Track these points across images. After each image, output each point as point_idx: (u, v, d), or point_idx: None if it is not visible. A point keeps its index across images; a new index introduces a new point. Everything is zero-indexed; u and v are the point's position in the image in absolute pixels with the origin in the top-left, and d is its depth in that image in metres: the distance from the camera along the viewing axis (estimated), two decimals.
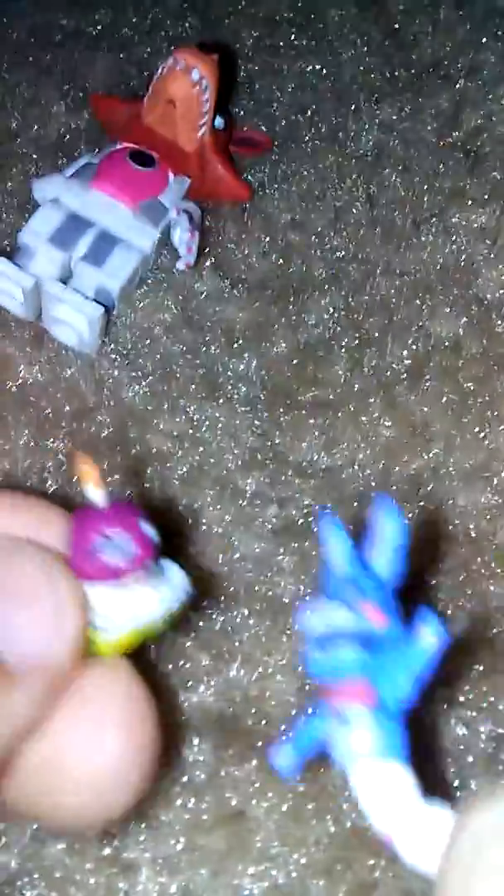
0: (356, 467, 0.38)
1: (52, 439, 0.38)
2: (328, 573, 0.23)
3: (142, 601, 0.23)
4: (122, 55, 0.53)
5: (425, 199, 0.46)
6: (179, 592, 0.24)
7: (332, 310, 0.43)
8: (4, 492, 0.26)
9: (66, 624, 0.22)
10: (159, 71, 0.43)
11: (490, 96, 0.51)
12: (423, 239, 0.45)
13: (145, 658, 0.24)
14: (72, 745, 0.23)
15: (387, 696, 0.20)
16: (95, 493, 0.23)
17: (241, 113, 0.50)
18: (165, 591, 0.24)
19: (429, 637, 0.20)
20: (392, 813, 0.20)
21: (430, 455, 0.38)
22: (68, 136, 0.49)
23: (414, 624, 0.21)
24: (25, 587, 0.22)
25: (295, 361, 0.41)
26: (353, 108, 0.51)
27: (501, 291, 0.43)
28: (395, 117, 0.50)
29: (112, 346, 0.41)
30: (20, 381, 0.40)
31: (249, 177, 0.47)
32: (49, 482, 0.37)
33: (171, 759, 0.30)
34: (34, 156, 0.48)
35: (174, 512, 0.37)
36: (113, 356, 0.40)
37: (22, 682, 0.22)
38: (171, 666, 0.33)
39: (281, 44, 0.54)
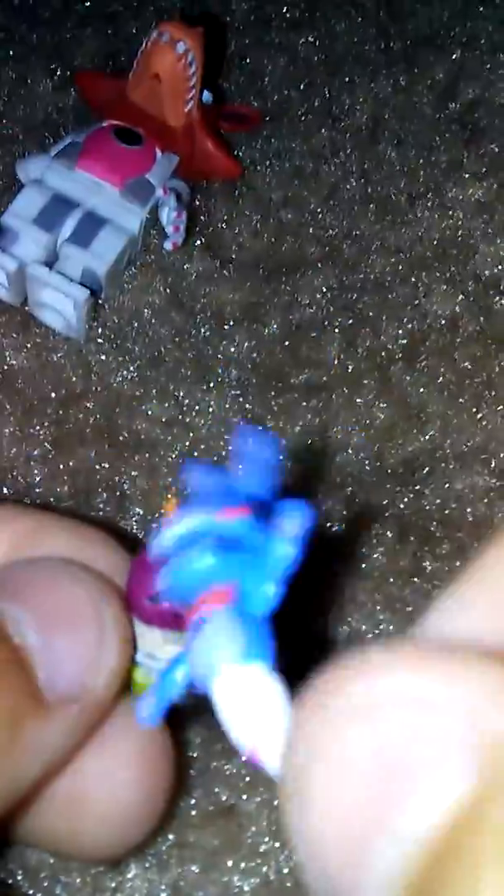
0: (350, 451, 0.37)
1: (38, 426, 0.37)
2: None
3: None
4: (110, 31, 0.52)
5: (421, 173, 0.45)
6: None
7: (325, 289, 0.41)
8: (44, 513, 0.25)
9: (108, 657, 0.21)
10: (143, 45, 0.42)
11: (488, 67, 0.49)
12: (418, 215, 0.43)
13: None
14: (94, 780, 0.22)
15: (249, 598, 0.18)
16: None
17: (231, 88, 0.49)
18: None
19: (292, 526, 0.18)
20: (255, 722, 0.17)
21: (427, 437, 0.37)
22: (56, 116, 0.48)
23: (277, 521, 0.18)
24: (70, 613, 0.21)
25: (287, 343, 0.40)
26: (346, 81, 0.49)
27: (499, 268, 0.42)
28: (390, 90, 0.49)
29: (99, 330, 0.40)
30: (6, 367, 0.39)
31: (240, 153, 0.46)
32: (35, 471, 0.36)
33: None
34: (20, 136, 0.47)
35: (163, 500, 0.36)
36: (100, 341, 0.39)
37: (56, 714, 0.20)
38: None
39: (272, 16, 0.52)
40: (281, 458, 0.21)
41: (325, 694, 0.13)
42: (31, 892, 0.27)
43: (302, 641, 0.22)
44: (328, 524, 0.35)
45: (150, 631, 0.22)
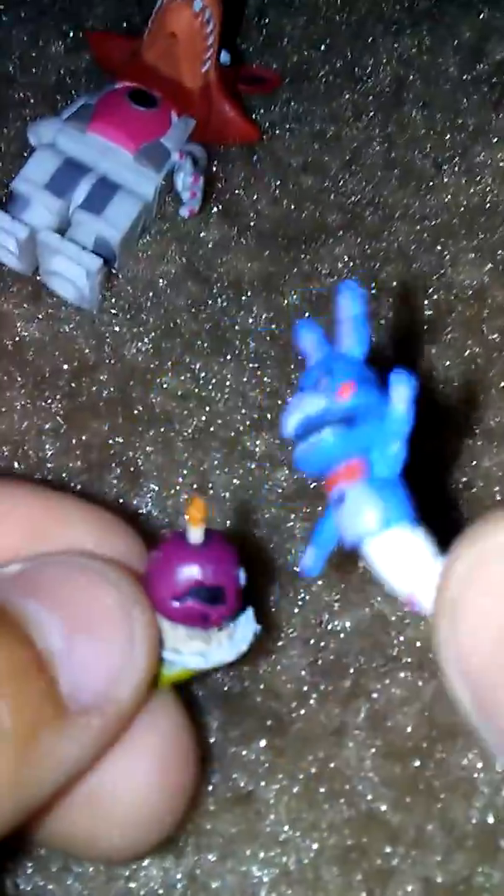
0: None
1: (50, 399, 0.36)
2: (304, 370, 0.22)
3: (215, 645, 0.22)
4: None
5: (447, 137, 0.43)
6: (249, 635, 0.22)
7: (346, 258, 0.40)
8: (61, 496, 0.24)
9: (136, 666, 0.20)
10: (159, 3, 0.40)
11: None
12: (444, 180, 0.42)
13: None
14: (114, 781, 0.21)
15: (378, 465, 0.19)
16: (198, 536, 0.21)
17: (250, 48, 0.47)
18: (236, 633, 0.22)
19: (401, 392, 0.20)
20: (410, 573, 0.19)
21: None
22: (68, 79, 0.46)
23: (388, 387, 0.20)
24: (98, 617, 0.20)
25: (308, 314, 0.38)
26: (369, 41, 0.47)
27: None
28: (414, 50, 0.47)
29: (113, 300, 0.38)
30: (17, 338, 0.37)
31: (258, 117, 0.44)
32: (47, 445, 0.35)
33: None
34: (32, 100, 0.45)
35: (178, 476, 0.34)
36: (114, 311, 0.38)
37: (77, 723, 0.19)
38: None
39: None
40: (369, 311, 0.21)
41: (475, 538, 0.16)
42: (42, 882, 0.26)
43: (433, 500, 0.23)
44: None
45: (175, 628, 0.21)
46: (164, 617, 0.21)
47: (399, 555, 0.19)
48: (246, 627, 0.22)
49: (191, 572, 0.20)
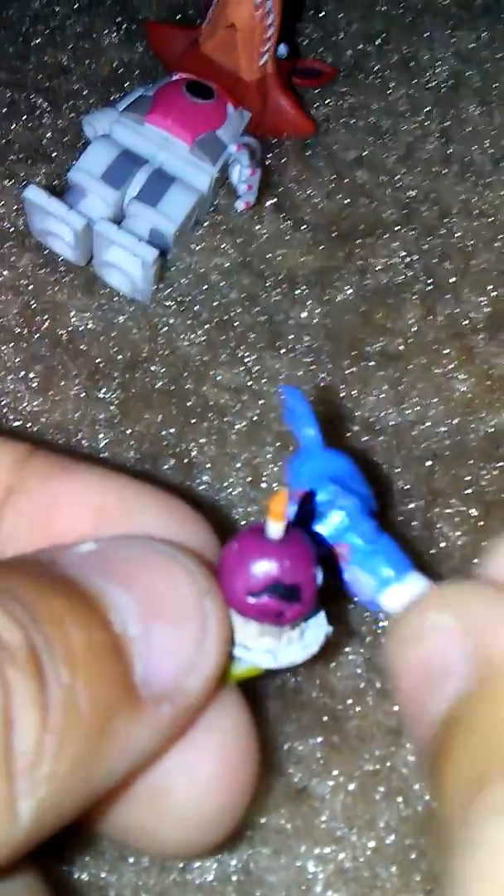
0: (428, 424, 0.35)
1: (104, 390, 0.36)
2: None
3: (285, 644, 0.21)
4: None
5: None
6: (321, 635, 0.22)
7: (402, 254, 0.39)
8: (131, 481, 0.23)
9: (208, 658, 0.20)
10: None
11: None
12: (502, 176, 0.41)
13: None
14: (176, 779, 0.21)
15: (357, 543, 0.22)
16: (277, 531, 0.20)
17: (306, 42, 0.47)
18: (309, 635, 0.22)
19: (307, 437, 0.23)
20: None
21: None
22: (122, 70, 0.46)
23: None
24: (174, 604, 0.20)
25: (362, 309, 0.38)
26: (426, 35, 0.47)
27: None
28: (472, 45, 0.46)
29: (167, 292, 0.38)
30: (71, 328, 0.37)
31: (314, 110, 0.44)
32: (101, 435, 0.35)
33: None
34: (85, 92, 0.45)
35: (232, 469, 0.34)
36: (168, 303, 0.38)
37: (149, 711, 0.19)
38: None
39: None
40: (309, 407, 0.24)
41: (402, 620, 0.20)
42: (97, 872, 0.26)
43: None
44: (406, 500, 0.33)
45: (247, 623, 0.21)
46: (238, 612, 0.20)
47: (405, 601, 0.21)
48: (317, 628, 0.22)
49: (269, 568, 0.20)
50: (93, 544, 0.20)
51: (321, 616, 0.22)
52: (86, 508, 0.22)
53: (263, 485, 0.34)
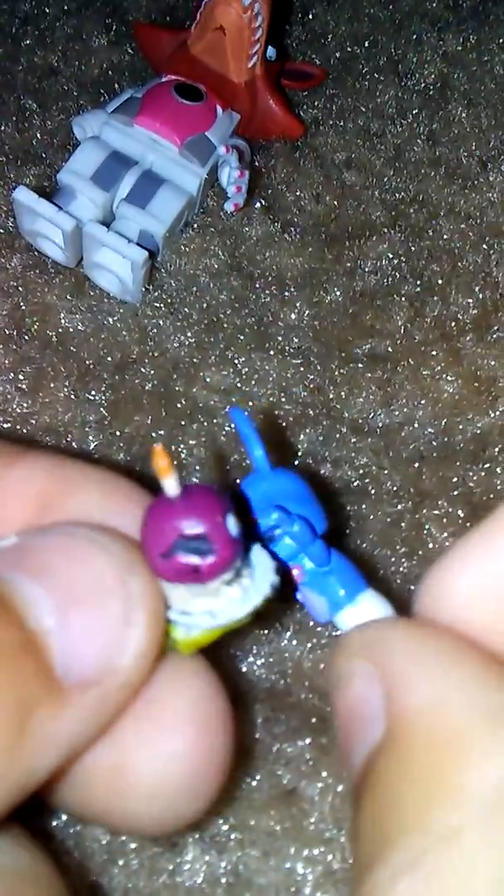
0: (416, 425, 0.36)
1: (93, 391, 0.36)
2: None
3: (223, 599, 0.21)
4: None
5: (492, 135, 0.43)
6: (264, 587, 0.21)
7: (390, 255, 0.40)
8: (76, 463, 0.23)
9: (135, 633, 0.19)
10: None
11: None
12: (490, 178, 0.41)
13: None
14: (142, 751, 0.21)
15: (309, 565, 0.23)
16: (173, 486, 0.20)
17: (294, 44, 0.47)
18: (249, 585, 0.21)
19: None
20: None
21: (498, 413, 0.35)
22: (111, 72, 0.46)
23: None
24: (92, 587, 0.19)
25: (350, 311, 0.38)
26: (413, 38, 0.47)
27: None
28: (459, 48, 0.47)
29: (156, 293, 0.38)
30: (60, 330, 0.37)
31: (302, 112, 0.44)
32: (90, 437, 0.35)
33: None
34: (75, 93, 0.45)
35: (221, 470, 0.34)
36: (157, 304, 0.38)
37: (74, 701, 0.19)
38: None
39: None
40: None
41: (336, 658, 0.20)
42: (86, 874, 0.26)
43: None
44: (394, 501, 0.33)
45: (174, 587, 0.20)
46: (158, 577, 0.20)
47: (358, 621, 0.22)
48: (262, 582, 0.21)
49: (171, 525, 0.19)
50: (14, 538, 0.20)
51: (267, 568, 0.21)
52: (29, 493, 0.22)
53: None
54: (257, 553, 0.22)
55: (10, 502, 0.22)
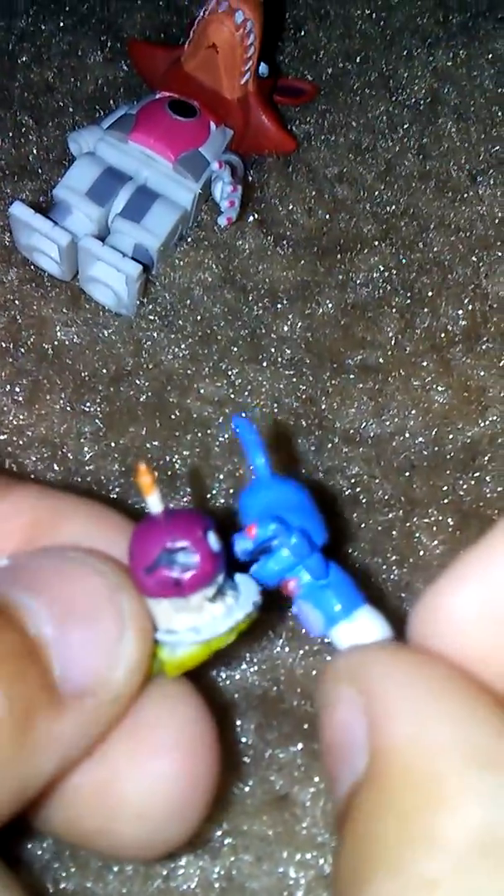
0: (407, 435, 0.36)
1: (89, 403, 0.36)
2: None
3: (206, 615, 0.21)
4: (160, 2, 0.51)
5: (482, 149, 0.44)
6: (247, 605, 0.22)
7: (381, 268, 0.40)
8: (64, 495, 0.24)
9: (127, 649, 0.20)
10: (201, 14, 0.40)
11: None
12: (479, 192, 0.42)
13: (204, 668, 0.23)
14: (128, 773, 0.21)
15: (306, 578, 0.23)
16: (156, 504, 0.21)
17: (286, 60, 0.48)
18: (232, 603, 0.22)
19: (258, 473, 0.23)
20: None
21: (487, 422, 0.36)
22: (106, 88, 0.47)
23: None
24: (87, 604, 0.20)
25: (342, 322, 0.39)
26: (404, 54, 0.48)
27: None
28: (449, 63, 0.47)
29: (151, 306, 0.39)
30: (56, 342, 0.38)
31: (294, 128, 0.45)
32: (86, 448, 0.35)
33: None
34: (70, 109, 0.46)
35: (214, 481, 0.35)
36: (152, 317, 0.39)
37: (72, 709, 0.19)
38: None
39: None
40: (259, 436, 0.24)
41: (323, 681, 0.20)
42: (81, 880, 0.27)
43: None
44: (385, 510, 0.34)
45: (159, 604, 0.21)
46: (145, 594, 0.21)
47: (353, 638, 0.22)
48: (245, 599, 0.22)
49: (154, 539, 0.20)
50: (4, 560, 0.21)
51: (250, 586, 0.22)
52: (17, 525, 0.23)
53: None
54: (242, 578, 0.22)
55: (1, 529, 0.23)
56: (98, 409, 0.36)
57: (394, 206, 0.42)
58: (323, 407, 0.37)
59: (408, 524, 0.33)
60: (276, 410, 0.37)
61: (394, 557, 0.33)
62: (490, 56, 0.47)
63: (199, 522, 0.21)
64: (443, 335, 0.38)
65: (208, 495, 0.35)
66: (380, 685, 0.18)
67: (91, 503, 0.24)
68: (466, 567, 0.19)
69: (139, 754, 0.21)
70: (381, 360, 0.38)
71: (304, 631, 0.31)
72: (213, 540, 0.21)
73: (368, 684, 0.18)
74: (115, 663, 0.20)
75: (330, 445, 0.36)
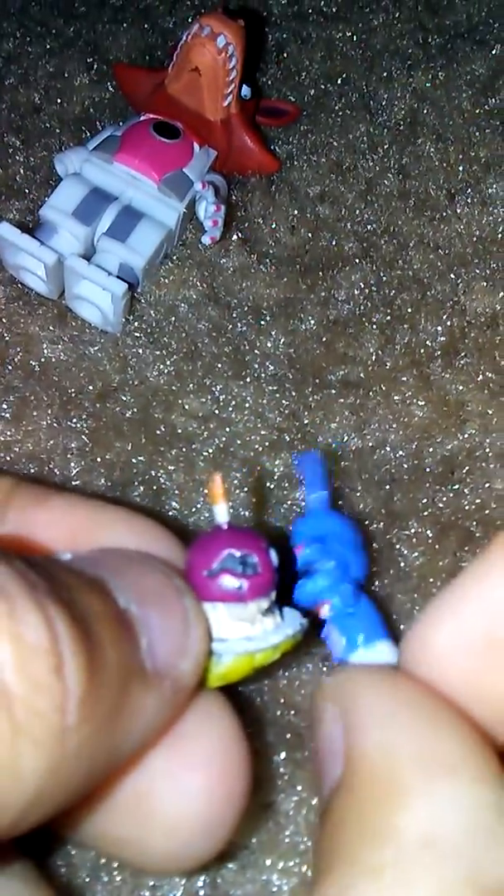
0: (388, 448, 0.37)
1: (75, 419, 0.37)
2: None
3: (258, 627, 0.22)
4: (146, 25, 0.52)
5: (461, 169, 0.45)
6: (296, 623, 0.23)
7: (362, 285, 0.41)
8: (103, 504, 0.25)
9: (194, 642, 0.21)
10: (184, 38, 0.41)
11: None
12: (458, 210, 0.43)
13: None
14: (164, 783, 0.22)
15: (337, 603, 0.24)
16: (223, 513, 0.22)
17: (269, 82, 0.49)
18: (281, 623, 0.23)
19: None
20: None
21: (466, 436, 0.37)
22: (92, 110, 0.48)
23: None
24: (159, 594, 0.21)
25: (324, 339, 0.40)
26: (384, 75, 0.49)
27: None
28: (428, 85, 0.48)
29: (136, 324, 0.40)
30: (43, 359, 0.39)
31: (277, 148, 0.46)
32: (72, 464, 0.36)
33: None
34: (57, 130, 0.47)
35: (199, 495, 0.35)
36: (137, 334, 0.39)
37: (156, 687, 0.20)
38: None
39: (309, 10, 0.52)
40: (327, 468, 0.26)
41: (314, 698, 0.21)
42: (71, 889, 0.27)
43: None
44: (366, 522, 0.35)
45: (214, 609, 0.22)
46: (203, 598, 0.22)
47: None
48: (292, 619, 0.23)
49: (219, 543, 0.21)
50: (68, 554, 0.21)
51: (294, 611, 0.23)
52: (60, 532, 0.24)
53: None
54: (287, 609, 0.23)
55: (43, 538, 0.24)
56: (84, 425, 0.37)
57: (374, 225, 0.43)
58: (305, 422, 0.38)
59: (388, 536, 0.34)
60: (259, 425, 0.37)
61: (374, 569, 0.33)
62: (468, 77, 0.48)
63: (260, 536, 0.22)
64: (422, 351, 0.39)
65: (193, 509, 0.35)
66: (356, 702, 0.20)
67: (130, 512, 0.25)
68: (448, 602, 0.20)
69: (176, 766, 0.22)
70: (362, 376, 0.39)
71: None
72: (273, 555, 0.22)
73: (347, 701, 0.20)
74: (185, 653, 0.21)
75: None
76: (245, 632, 0.22)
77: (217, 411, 0.38)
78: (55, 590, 0.18)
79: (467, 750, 0.18)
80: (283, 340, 0.40)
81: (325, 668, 0.31)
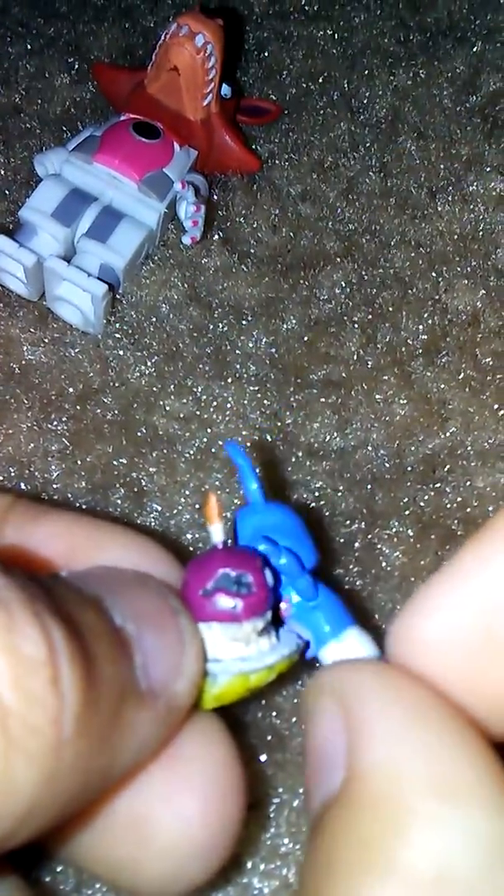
0: (370, 448, 0.37)
1: (56, 422, 0.37)
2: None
3: (253, 647, 0.22)
4: (127, 25, 0.51)
5: (442, 167, 0.45)
6: (291, 644, 0.23)
7: (344, 284, 0.41)
8: (99, 521, 0.25)
9: (189, 661, 0.21)
10: (162, 38, 0.41)
11: None
12: (439, 209, 0.43)
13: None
14: (163, 805, 0.21)
15: (296, 600, 0.23)
16: (219, 533, 0.22)
17: (250, 81, 0.49)
18: (277, 644, 0.23)
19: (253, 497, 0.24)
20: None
21: (447, 434, 0.37)
22: (73, 110, 0.48)
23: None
24: (154, 613, 0.21)
25: (306, 338, 0.40)
26: (365, 74, 0.49)
27: None
28: (409, 83, 0.48)
29: (117, 325, 0.39)
30: (23, 361, 0.38)
31: (258, 147, 0.46)
32: (53, 467, 0.36)
33: None
34: (38, 130, 0.47)
35: (181, 497, 0.35)
36: (118, 335, 0.39)
37: (150, 707, 0.20)
38: None
39: (291, 9, 0.52)
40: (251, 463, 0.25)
41: (307, 693, 0.20)
42: None
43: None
44: (347, 522, 0.35)
45: (209, 629, 0.22)
46: (198, 618, 0.22)
47: (341, 658, 0.23)
48: (288, 639, 0.23)
49: (215, 564, 0.21)
50: (65, 572, 0.21)
51: (290, 633, 0.23)
52: (57, 549, 0.24)
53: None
54: (282, 630, 0.23)
55: (36, 558, 0.23)
56: (65, 427, 0.37)
57: (356, 224, 0.43)
58: (287, 422, 0.38)
59: (370, 535, 0.34)
60: (240, 426, 0.37)
61: (356, 569, 0.33)
62: (449, 75, 0.48)
63: (256, 556, 0.22)
64: (404, 349, 0.39)
65: (174, 511, 0.35)
66: (361, 704, 0.18)
67: (128, 531, 0.25)
68: (435, 592, 0.19)
69: (171, 788, 0.22)
70: (343, 375, 0.39)
71: None
72: (268, 574, 0.22)
73: (351, 701, 0.18)
74: (179, 673, 0.21)
75: (294, 460, 0.36)
76: (240, 652, 0.22)
77: (198, 412, 0.37)
78: (53, 604, 0.18)
79: (482, 772, 0.17)
80: (264, 340, 0.40)
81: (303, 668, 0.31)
